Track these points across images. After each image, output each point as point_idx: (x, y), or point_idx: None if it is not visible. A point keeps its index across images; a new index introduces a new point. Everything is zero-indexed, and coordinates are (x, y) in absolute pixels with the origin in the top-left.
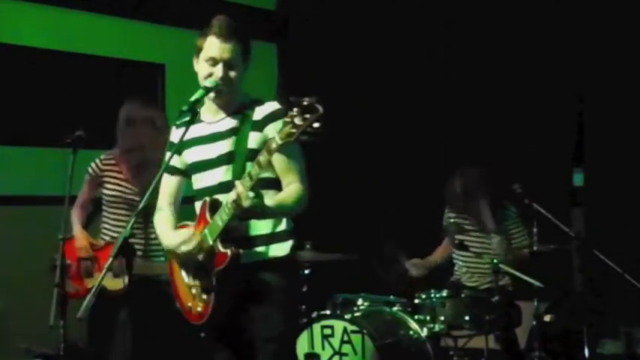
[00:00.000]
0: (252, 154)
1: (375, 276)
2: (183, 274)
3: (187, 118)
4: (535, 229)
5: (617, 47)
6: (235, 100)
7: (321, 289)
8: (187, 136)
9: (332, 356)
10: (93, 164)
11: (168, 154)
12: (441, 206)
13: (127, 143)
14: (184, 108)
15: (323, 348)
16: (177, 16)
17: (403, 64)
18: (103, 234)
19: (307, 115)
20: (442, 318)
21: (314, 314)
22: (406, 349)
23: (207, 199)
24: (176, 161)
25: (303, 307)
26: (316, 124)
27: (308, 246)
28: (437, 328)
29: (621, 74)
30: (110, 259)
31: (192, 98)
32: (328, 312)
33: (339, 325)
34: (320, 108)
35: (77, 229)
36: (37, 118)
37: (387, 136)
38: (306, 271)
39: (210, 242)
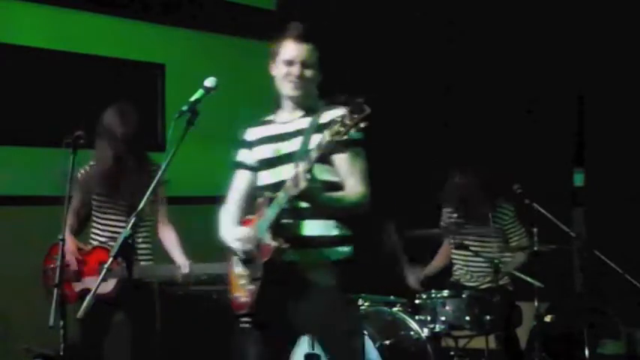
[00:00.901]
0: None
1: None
2: (235, 264)
3: (265, 118)
4: (535, 230)
5: (617, 47)
6: (308, 103)
7: None
8: (259, 135)
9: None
10: (82, 170)
11: (240, 151)
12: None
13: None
14: (184, 108)
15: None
16: (177, 16)
17: (403, 63)
18: (91, 238)
19: (355, 115)
20: (443, 318)
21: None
22: (407, 350)
23: (268, 194)
24: (247, 158)
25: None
26: (363, 124)
27: None
28: (438, 328)
29: (621, 74)
30: (110, 259)
31: (192, 98)
32: None
33: None
34: (367, 108)
35: (67, 235)
36: (37, 118)
37: (387, 135)
38: None
39: (261, 235)
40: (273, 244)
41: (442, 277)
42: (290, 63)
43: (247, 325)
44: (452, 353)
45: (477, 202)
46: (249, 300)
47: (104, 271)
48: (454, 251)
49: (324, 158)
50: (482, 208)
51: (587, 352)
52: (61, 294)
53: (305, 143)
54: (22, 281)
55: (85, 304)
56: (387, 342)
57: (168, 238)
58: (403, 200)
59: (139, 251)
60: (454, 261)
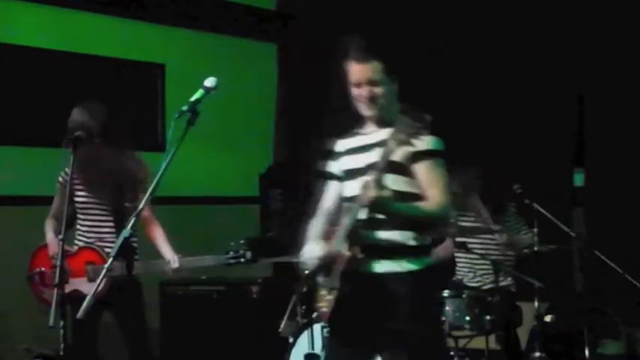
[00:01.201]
0: (393, 167)
1: None
2: (317, 276)
3: (354, 130)
4: (535, 230)
5: (617, 47)
6: (388, 117)
7: None
8: (346, 146)
9: None
10: (62, 173)
11: (329, 162)
12: None
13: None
14: (184, 108)
15: (324, 348)
16: (177, 16)
17: (404, 63)
18: (77, 239)
19: (417, 124)
20: (443, 318)
21: (314, 315)
22: None
23: (345, 205)
24: (334, 168)
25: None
26: (425, 132)
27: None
28: None
29: (621, 74)
30: (110, 260)
31: (192, 98)
32: None
33: None
34: (428, 116)
35: (49, 237)
36: (37, 118)
37: None
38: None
39: (338, 244)
40: (349, 253)
41: (445, 277)
42: (358, 85)
43: (329, 334)
44: (452, 353)
45: (474, 201)
46: (329, 310)
47: (104, 271)
48: (456, 251)
49: (401, 169)
50: (480, 207)
51: (587, 352)
52: (61, 294)
53: (385, 154)
54: (22, 281)
55: (84, 304)
56: None
57: (156, 234)
58: None
59: None
60: (457, 260)
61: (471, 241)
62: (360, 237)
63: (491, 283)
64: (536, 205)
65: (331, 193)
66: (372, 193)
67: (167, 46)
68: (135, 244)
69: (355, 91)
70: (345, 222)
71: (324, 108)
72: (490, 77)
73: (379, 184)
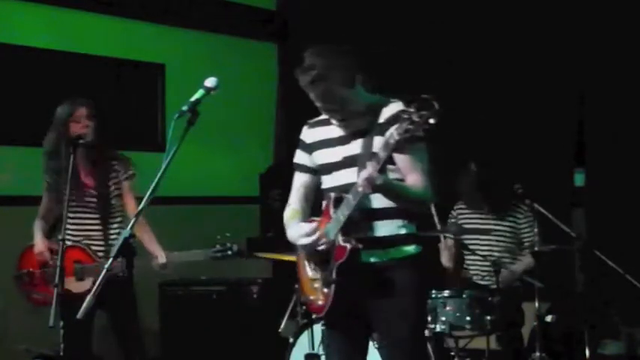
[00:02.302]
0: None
1: None
2: (307, 267)
3: (320, 118)
4: (536, 230)
5: (618, 47)
6: (356, 106)
7: None
8: (318, 137)
9: None
10: (46, 175)
11: (298, 152)
12: (440, 206)
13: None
14: (184, 108)
15: (322, 344)
16: (177, 16)
17: (404, 63)
18: (66, 238)
19: (424, 112)
20: (443, 318)
21: (314, 315)
22: None
23: (332, 195)
24: (305, 160)
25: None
26: (432, 120)
27: None
28: (439, 328)
29: (622, 74)
30: (110, 260)
31: (193, 98)
32: None
33: None
34: (436, 104)
35: (37, 237)
36: (37, 118)
37: None
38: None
39: (332, 237)
40: (348, 245)
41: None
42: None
43: (326, 327)
44: (452, 353)
45: (497, 193)
46: (325, 303)
47: (104, 271)
48: (464, 252)
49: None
50: (502, 200)
51: (587, 353)
52: (61, 294)
53: (367, 145)
54: None
55: (84, 304)
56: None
57: (143, 231)
58: None
59: (112, 247)
60: (466, 260)
61: (473, 242)
62: (356, 228)
63: (495, 284)
64: (536, 205)
65: (302, 185)
66: (379, 182)
67: (167, 46)
68: (113, 243)
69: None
70: (339, 214)
71: None
72: (490, 77)
73: (383, 174)
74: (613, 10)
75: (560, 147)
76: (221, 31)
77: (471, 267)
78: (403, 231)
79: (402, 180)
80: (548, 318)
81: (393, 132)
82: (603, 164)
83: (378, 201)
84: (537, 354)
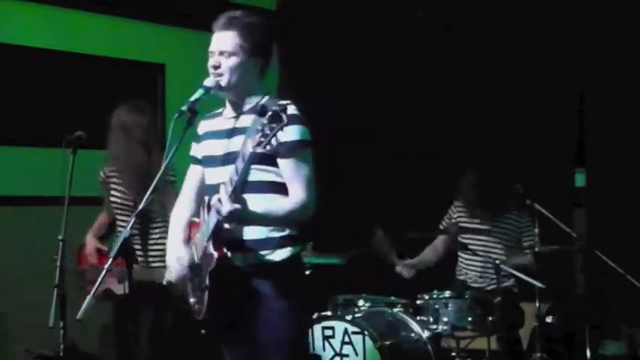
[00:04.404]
0: (255, 158)
1: (375, 276)
2: (188, 273)
3: (218, 110)
4: (537, 230)
5: (618, 47)
6: (248, 98)
7: (322, 290)
8: (206, 129)
9: (333, 357)
10: (101, 172)
11: (193, 144)
12: (439, 206)
13: (108, 149)
14: (184, 108)
15: (324, 349)
16: (177, 16)
17: (404, 63)
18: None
19: (274, 125)
20: (445, 319)
21: (315, 315)
22: (407, 350)
23: (206, 198)
24: (197, 151)
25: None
26: (281, 133)
27: (309, 247)
28: (440, 329)
29: (622, 74)
30: (110, 260)
31: (192, 98)
32: (329, 313)
33: (339, 326)
34: (285, 118)
35: (88, 236)
36: (37, 118)
37: (388, 135)
38: (307, 272)
39: (204, 243)
40: (215, 254)
41: (447, 277)
42: (211, 55)
43: (207, 333)
44: (453, 354)
45: (498, 196)
46: (201, 309)
47: (104, 271)
48: (459, 252)
49: (264, 159)
50: (501, 207)
51: (588, 353)
52: (61, 294)
53: (245, 145)
54: (22, 281)
55: (84, 305)
56: (388, 342)
57: None
58: (404, 200)
59: (150, 254)
60: (459, 261)
61: (472, 242)
62: (226, 233)
63: (494, 285)
64: (537, 206)
65: (194, 180)
66: (227, 208)
67: (167, 46)
68: (157, 247)
69: (209, 63)
70: (210, 221)
71: None
72: (490, 77)
73: (235, 200)
74: (613, 11)
75: (560, 147)
76: None
77: (466, 269)
78: (275, 234)
79: (280, 184)
80: (549, 318)
81: (247, 143)
82: (604, 164)
83: (249, 204)
84: (538, 354)
